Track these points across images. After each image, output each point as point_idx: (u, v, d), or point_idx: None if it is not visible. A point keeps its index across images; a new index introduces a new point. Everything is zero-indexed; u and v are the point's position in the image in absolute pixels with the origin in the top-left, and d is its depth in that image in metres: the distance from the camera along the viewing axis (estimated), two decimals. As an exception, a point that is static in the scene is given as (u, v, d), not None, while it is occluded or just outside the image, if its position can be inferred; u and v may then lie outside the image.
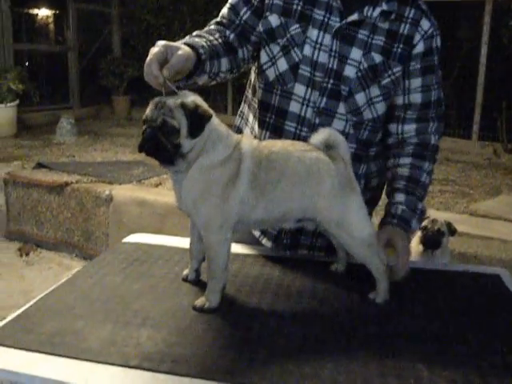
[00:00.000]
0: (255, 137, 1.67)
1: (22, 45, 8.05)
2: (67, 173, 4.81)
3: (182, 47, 1.31)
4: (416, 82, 1.60)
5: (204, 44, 1.45)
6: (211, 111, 1.29)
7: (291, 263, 1.65)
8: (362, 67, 1.54)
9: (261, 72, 1.64)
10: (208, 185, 1.29)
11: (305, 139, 1.48)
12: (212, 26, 1.62)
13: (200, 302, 1.35)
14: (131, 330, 1.24)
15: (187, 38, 1.47)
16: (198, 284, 1.49)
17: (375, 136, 1.65)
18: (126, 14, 9.14)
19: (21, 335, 1.22)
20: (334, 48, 1.54)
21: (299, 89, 1.58)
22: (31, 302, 1.39)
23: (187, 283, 1.50)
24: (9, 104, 6.65)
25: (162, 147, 1.24)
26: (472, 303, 1.44)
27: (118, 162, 5.50)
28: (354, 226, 1.37)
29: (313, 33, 1.55)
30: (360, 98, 1.57)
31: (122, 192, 4.40)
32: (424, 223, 3.02)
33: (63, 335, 1.22)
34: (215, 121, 1.32)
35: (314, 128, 1.53)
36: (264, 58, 1.62)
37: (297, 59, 1.56)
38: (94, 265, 1.67)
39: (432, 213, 3.96)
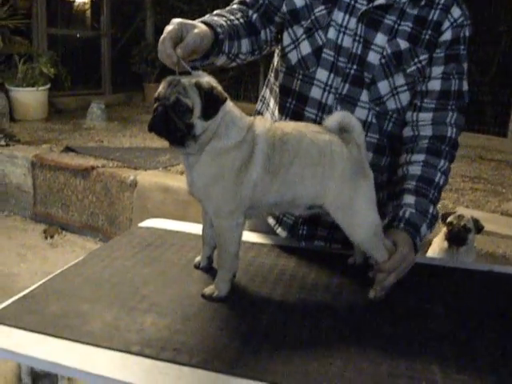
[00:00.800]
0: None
1: (56, 30, 8.12)
2: (94, 157, 4.83)
3: (198, 25, 1.26)
4: (438, 70, 1.50)
5: (223, 23, 1.39)
6: (226, 94, 1.25)
7: (307, 254, 1.60)
8: (385, 53, 1.47)
9: (283, 55, 1.58)
10: (221, 169, 1.25)
11: None
12: (234, 6, 1.56)
13: (209, 290, 1.31)
14: (136, 315, 1.21)
15: (207, 17, 1.42)
16: (210, 271, 1.45)
17: (400, 129, 1.57)
18: (159, 1, 9.15)
19: (24, 315, 1.20)
20: (358, 32, 1.47)
21: (322, 74, 1.52)
22: (38, 283, 1.37)
23: (198, 270, 1.46)
24: (40, 88, 6.71)
25: (174, 127, 1.19)
26: (495, 305, 1.36)
27: (146, 149, 5.50)
28: (361, 212, 1.31)
29: (338, 15, 1.47)
30: (383, 86, 1.49)
31: (147, 178, 4.40)
32: (450, 219, 2.93)
33: (67, 317, 1.19)
34: (229, 104, 1.27)
35: None
36: (287, 40, 1.55)
37: (320, 43, 1.50)
38: (106, 248, 1.65)
39: (461, 210, 3.85)
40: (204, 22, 1.31)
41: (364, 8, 1.45)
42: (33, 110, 6.74)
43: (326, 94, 1.52)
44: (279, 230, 1.71)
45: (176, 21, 1.23)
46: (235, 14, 1.50)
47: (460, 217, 2.93)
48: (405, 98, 1.52)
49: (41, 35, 7.50)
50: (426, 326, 1.23)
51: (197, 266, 1.48)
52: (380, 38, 1.47)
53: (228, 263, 1.30)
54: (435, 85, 1.51)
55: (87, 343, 1.10)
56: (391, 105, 1.52)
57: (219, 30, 1.34)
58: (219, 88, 1.24)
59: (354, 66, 1.49)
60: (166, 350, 1.08)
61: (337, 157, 1.29)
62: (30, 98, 6.69)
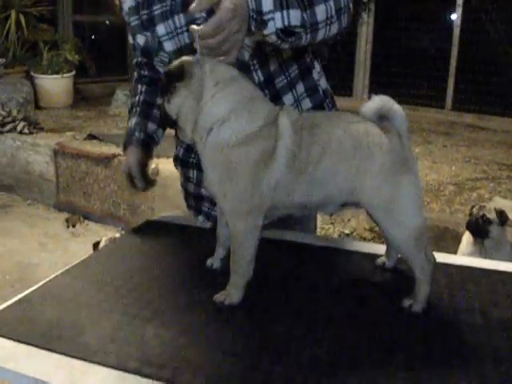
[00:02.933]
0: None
1: (81, 16, 8.06)
2: (116, 145, 4.74)
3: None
4: None
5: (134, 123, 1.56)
6: (191, 72, 1.10)
7: (333, 253, 1.46)
8: None
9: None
10: (230, 165, 1.11)
11: None
12: (135, 75, 1.64)
13: (220, 296, 1.18)
14: (137, 324, 1.09)
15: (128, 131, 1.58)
16: (224, 275, 1.31)
17: None
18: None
19: (16, 324, 1.09)
20: (178, 25, 1.41)
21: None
22: (36, 286, 1.27)
23: (211, 273, 1.33)
24: (65, 74, 6.66)
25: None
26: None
27: (169, 136, 5.40)
28: (404, 212, 1.14)
29: (160, 29, 1.44)
30: None
31: (169, 166, 4.26)
32: (473, 209, 2.78)
33: (61, 327, 1.08)
34: (239, 85, 1.13)
35: None
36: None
37: (166, 60, 1.46)
38: (114, 245, 1.55)
39: (498, 200, 3.64)
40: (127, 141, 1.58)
41: None
42: (58, 98, 6.69)
43: None
44: (204, 223, 1.65)
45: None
46: (138, 94, 1.61)
47: (481, 207, 2.77)
48: None
49: (66, 22, 7.45)
50: (463, 342, 1.07)
51: (210, 268, 1.35)
52: None
53: (242, 268, 1.17)
54: None
55: (80, 358, 0.99)
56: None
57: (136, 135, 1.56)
58: (187, 63, 1.12)
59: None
60: (166, 367, 0.95)
61: (375, 149, 1.13)
62: (55, 85, 6.65)
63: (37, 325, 1.09)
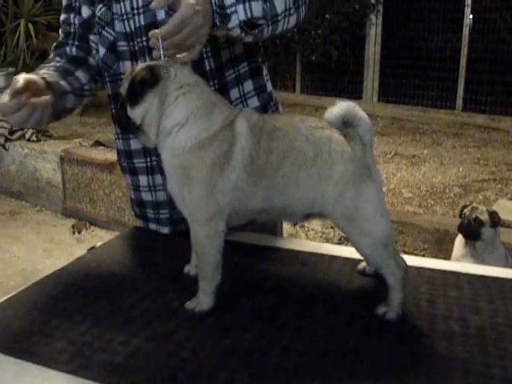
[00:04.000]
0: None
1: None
2: (122, 151, 4.77)
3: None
4: None
5: (48, 71, 1.40)
6: (160, 76, 1.11)
7: (313, 259, 1.43)
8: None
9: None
10: (186, 171, 1.10)
11: None
12: (50, 56, 1.53)
13: (191, 303, 1.17)
14: (106, 331, 1.08)
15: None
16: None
17: None
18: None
19: (-16, 332, 1.09)
20: (135, 6, 1.39)
21: (124, 66, 1.43)
22: (14, 292, 1.27)
23: (187, 279, 1.32)
24: (75, 82, 6.71)
25: (118, 117, 1.23)
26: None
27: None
28: (367, 220, 1.11)
29: (117, 7, 1.41)
30: None
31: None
32: (465, 210, 2.74)
33: (31, 334, 1.08)
34: (196, 91, 1.13)
35: None
36: (93, 51, 1.49)
37: (112, 38, 1.43)
38: (97, 251, 1.54)
39: (503, 203, 3.58)
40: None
41: None
42: (67, 105, 6.73)
43: None
44: (160, 228, 1.61)
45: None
46: (54, 61, 1.49)
47: (474, 209, 2.74)
48: None
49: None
50: (435, 350, 1.04)
51: (187, 275, 1.34)
52: None
53: (208, 274, 1.16)
54: None
55: (43, 365, 0.98)
56: None
57: (47, 77, 1.34)
58: (156, 71, 1.11)
59: (145, 37, 1.37)
60: (129, 375, 0.94)
61: (336, 157, 1.10)
62: (65, 92, 6.69)
63: (7, 333, 1.09)
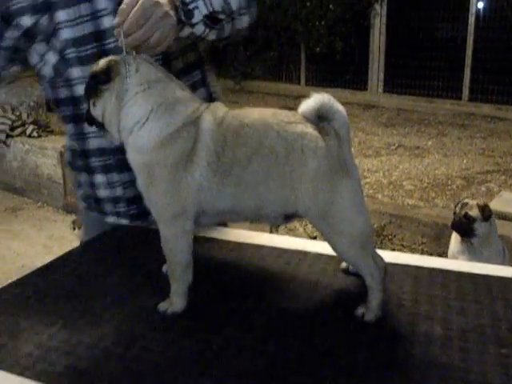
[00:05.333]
0: None
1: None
2: (122, 146, 4.75)
3: None
4: None
5: None
6: (116, 72, 1.08)
7: (296, 257, 1.39)
8: (113, 7, 1.33)
9: (38, 74, 1.50)
10: (150, 168, 1.07)
11: None
12: None
13: (164, 304, 1.14)
14: (74, 335, 1.05)
15: None
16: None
17: None
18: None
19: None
20: (83, 13, 1.38)
21: (74, 71, 1.42)
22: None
23: (165, 279, 1.28)
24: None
25: (85, 114, 1.16)
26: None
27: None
28: (343, 219, 1.07)
29: (60, 15, 1.39)
30: None
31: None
32: (456, 207, 2.67)
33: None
34: (158, 87, 1.09)
35: None
36: (35, 59, 1.46)
37: (59, 46, 1.40)
38: (75, 251, 1.51)
39: (506, 195, 3.50)
40: None
41: None
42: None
43: None
44: (119, 220, 1.60)
45: None
46: None
47: (464, 205, 2.66)
48: None
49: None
50: (411, 352, 1.00)
51: (165, 274, 1.30)
52: (102, 2, 1.37)
53: (179, 275, 1.12)
54: None
55: (7, 371, 0.95)
56: None
57: None
58: (114, 65, 1.09)
59: (94, 43, 1.39)
60: (87, 382, 0.91)
61: (309, 153, 1.05)
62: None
63: (-27, 337, 1.06)
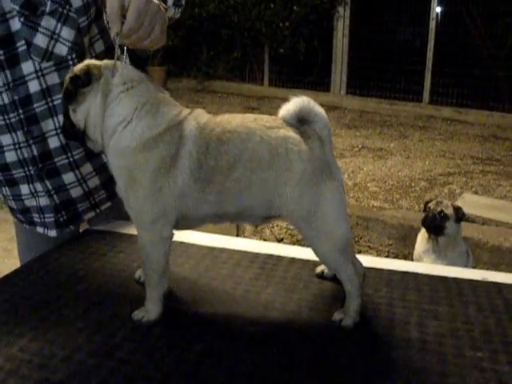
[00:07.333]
0: None
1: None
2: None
3: None
4: None
5: None
6: (96, 74, 1.06)
7: (270, 261, 1.38)
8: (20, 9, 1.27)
9: None
10: (131, 172, 1.05)
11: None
12: None
13: (139, 313, 1.11)
14: (46, 346, 1.02)
15: None
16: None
17: None
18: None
19: None
20: None
21: None
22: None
23: (139, 285, 1.26)
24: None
25: (62, 127, 1.14)
26: (491, 330, 1.12)
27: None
28: (326, 222, 1.07)
29: None
30: (41, 38, 1.31)
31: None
32: (429, 204, 2.75)
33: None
34: (141, 89, 1.07)
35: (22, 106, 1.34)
36: None
37: None
38: (45, 256, 1.46)
39: (468, 197, 3.60)
40: None
41: None
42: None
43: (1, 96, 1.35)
44: (47, 231, 1.54)
45: None
46: None
47: (439, 203, 2.76)
48: None
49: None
50: (389, 357, 1.01)
51: (137, 281, 1.27)
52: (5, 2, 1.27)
53: (153, 282, 1.10)
54: None
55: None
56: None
57: None
58: (88, 68, 1.07)
59: (1, 50, 1.30)
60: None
61: (293, 157, 1.04)
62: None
63: None
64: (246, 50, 9.19)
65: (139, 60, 1.30)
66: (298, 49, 8.37)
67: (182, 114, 1.08)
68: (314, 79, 8.50)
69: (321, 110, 1.07)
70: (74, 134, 1.12)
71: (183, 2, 1.40)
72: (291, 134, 1.06)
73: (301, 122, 1.07)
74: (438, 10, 7.43)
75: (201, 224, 1.15)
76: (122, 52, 1.12)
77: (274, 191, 1.06)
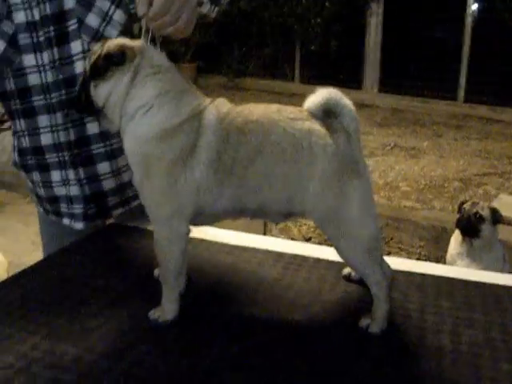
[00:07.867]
0: None
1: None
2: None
3: None
4: None
5: None
6: (131, 56, 1.01)
7: (295, 261, 1.32)
8: None
9: None
10: (147, 161, 1.00)
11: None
12: None
13: (155, 312, 1.07)
14: (57, 346, 0.98)
15: None
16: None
17: None
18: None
19: None
20: None
21: (28, 59, 1.33)
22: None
23: (157, 283, 1.21)
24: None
25: (76, 97, 1.08)
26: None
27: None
28: (351, 221, 1.00)
29: None
30: (92, 19, 1.31)
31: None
32: (464, 205, 2.63)
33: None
34: (166, 77, 1.03)
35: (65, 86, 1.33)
36: None
37: (11, 31, 1.30)
38: (64, 252, 1.43)
39: (504, 198, 3.47)
40: None
41: None
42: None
43: (43, 74, 1.34)
44: (74, 223, 1.50)
45: None
46: None
47: (474, 204, 2.63)
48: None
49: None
50: (421, 368, 0.94)
51: (157, 278, 1.23)
52: None
53: (170, 281, 1.06)
54: None
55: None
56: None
57: None
58: (126, 45, 1.03)
59: (52, 27, 1.30)
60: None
61: (318, 151, 0.98)
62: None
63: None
64: (277, 46, 9.12)
65: (171, 55, 1.26)
66: (329, 46, 8.27)
67: (203, 104, 1.03)
68: (346, 76, 8.38)
69: (348, 103, 1.00)
70: (86, 108, 1.07)
71: (223, 2, 1.35)
72: (316, 126, 1.00)
73: (327, 114, 1.00)
74: (475, 6, 7.24)
75: (218, 220, 1.10)
76: (153, 38, 1.08)
77: (296, 186, 1.00)
